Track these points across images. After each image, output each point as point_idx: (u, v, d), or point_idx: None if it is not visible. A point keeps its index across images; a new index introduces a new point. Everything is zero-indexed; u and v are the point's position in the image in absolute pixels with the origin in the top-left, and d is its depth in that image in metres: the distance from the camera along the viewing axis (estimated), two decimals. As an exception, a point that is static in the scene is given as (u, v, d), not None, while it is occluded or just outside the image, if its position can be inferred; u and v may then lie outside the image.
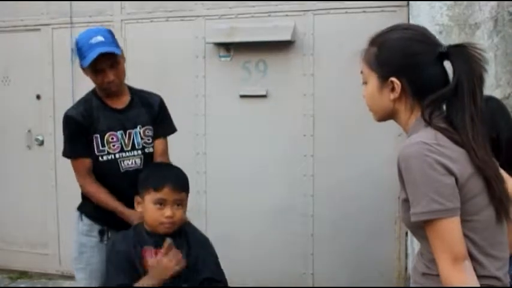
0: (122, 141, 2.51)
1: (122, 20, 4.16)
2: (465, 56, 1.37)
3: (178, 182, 2.19)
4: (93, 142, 2.48)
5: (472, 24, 3.14)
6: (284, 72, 3.80)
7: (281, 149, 3.84)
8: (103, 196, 2.46)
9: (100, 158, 2.48)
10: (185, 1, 3.98)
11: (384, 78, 1.42)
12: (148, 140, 2.58)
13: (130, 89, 2.64)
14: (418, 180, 1.28)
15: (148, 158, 2.56)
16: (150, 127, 2.58)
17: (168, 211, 2.11)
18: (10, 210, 4.52)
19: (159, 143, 2.61)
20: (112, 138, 2.50)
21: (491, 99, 2.21)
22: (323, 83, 3.73)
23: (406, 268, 3.61)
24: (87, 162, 2.50)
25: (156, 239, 2.12)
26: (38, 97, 4.39)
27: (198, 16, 3.97)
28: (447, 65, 1.41)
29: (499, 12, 3.10)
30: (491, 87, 3.14)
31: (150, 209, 2.13)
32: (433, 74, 1.39)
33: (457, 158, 1.30)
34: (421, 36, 1.42)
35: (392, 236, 3.65)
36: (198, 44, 3.95)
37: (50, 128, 4.37)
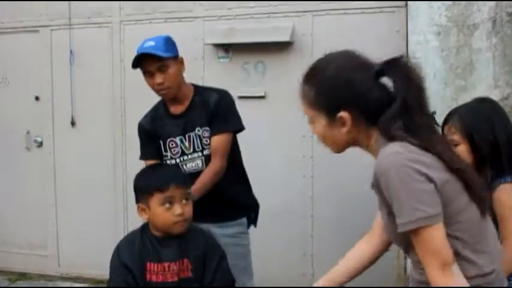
0: (182, 145, 2.57)
1: (120, 21, 4.16)
2: (400, 70, 1.37)
3: (182, 177, 2.20)
4: (160, 147, 2.60)
5: (471, 24, 3.15)
6: (283, 73, 3.79)
7: (280, 150, 3.84)
8: None
9: (166, 162, 2.60)
10: (184, 1, 3.98)
11: (331, 115, 1.41)
12: (207, 141, 2.55)
13: (196, 89, 2.64)
14: (399, 190, 1.28)
15: (209, 160, 2.55)
16: (207, 128, 2.55)
17: (178, 209, 2.04)
18: (9, 212, 4.51)
19: (212, 140, 2.54)
20: (172, 144, 2.59)
21: (485, 100, 2.17)
22: (322, 83, 3.72)
23: (405, 268, 3.61)
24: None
25: (160, 254, 2.06)
26: (37, 98, 4.39)
27: (197, 17, 3.97)
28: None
29: (497, 13, 3.11)
30: (490, 88, 3.14)
31: (158, 212, 2.06)
32: (377, 96, 1.38)
33: (431, 163, 1.30)
34: (352, 63, 1.41)
35: (391, 236, 3.64)
36: (196, 45, 3.94)
37: (49, 129, 4.37)
